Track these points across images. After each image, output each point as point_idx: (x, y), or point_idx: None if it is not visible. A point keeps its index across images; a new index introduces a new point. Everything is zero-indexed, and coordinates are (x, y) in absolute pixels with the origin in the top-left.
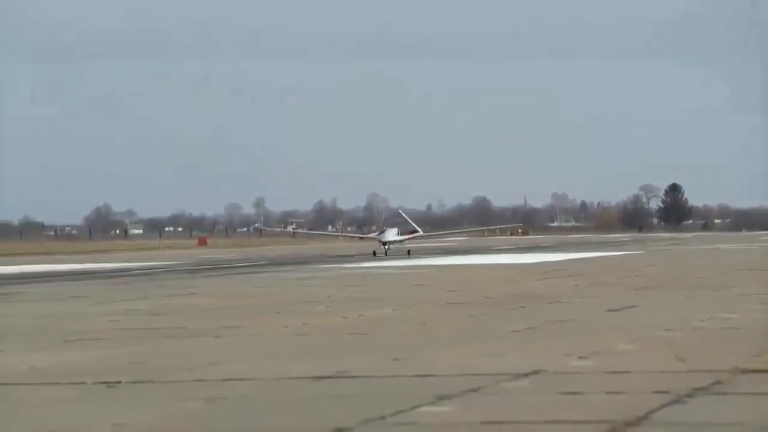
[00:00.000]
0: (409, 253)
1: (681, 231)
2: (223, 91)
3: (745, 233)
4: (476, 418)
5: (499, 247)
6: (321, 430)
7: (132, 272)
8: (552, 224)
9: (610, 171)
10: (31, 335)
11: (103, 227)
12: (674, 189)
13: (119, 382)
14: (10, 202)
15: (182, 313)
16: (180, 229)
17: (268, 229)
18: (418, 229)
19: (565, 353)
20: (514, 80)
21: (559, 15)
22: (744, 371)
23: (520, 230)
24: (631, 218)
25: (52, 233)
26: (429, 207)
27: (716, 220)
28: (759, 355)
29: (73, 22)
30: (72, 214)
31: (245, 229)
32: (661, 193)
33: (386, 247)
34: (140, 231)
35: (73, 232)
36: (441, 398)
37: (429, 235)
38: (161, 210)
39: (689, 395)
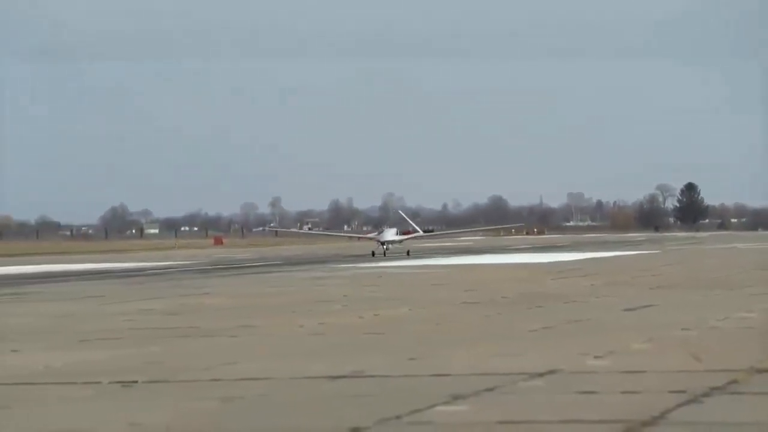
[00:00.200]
0: (408, 254)
1: (697, 230)
2: (240, 92)
3: (761, 232)
4: (492, 417)
5: (515, 247)
6: (337, 430)
7: (147, 272)
8: (568, 224)
9: (626, 170)
10: (47, 335)
11: (118, 227)
12: (690, 188)
13: (135, 382)
14: (27, 202)
15: (197, 312)
16: (196, 228)
17: (271, 229)
18: (418, 229)
19: (580, 353)
20: (530, 80)
21: (570, 14)
22: (760, 371)
23: (535, 229)
24: (647, 218)
25: (68, 233)
26: (445, 206)
27: (732, 220)
28: None
29: (77, 21)
30: (88, 213)
31: (261, 229)
32: (677, 193)
33: (385, 247)
34: (156, 231)
35: (89, 231)
36: (456, 398)
37: (431, 235)
38: (177, 210)
39: (705, 395)
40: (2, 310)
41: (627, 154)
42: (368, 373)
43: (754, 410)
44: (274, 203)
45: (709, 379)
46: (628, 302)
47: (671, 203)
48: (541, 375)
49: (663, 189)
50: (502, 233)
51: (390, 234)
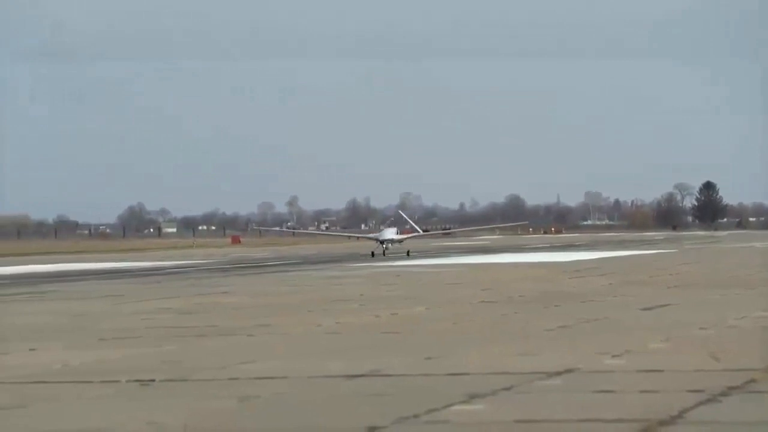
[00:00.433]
0: (408, 254)
1: (715, 229)
2: (258, 92)
3: None
4: (509, 416)
5: (532, 246)
6: (354, 429)
7: (165, 271)
8: (585, 223)
9: (644, 169)
10: (65, 333)
11: (136, 226)
12: (708, 187)
13: (153, 381)
14: (45, 202)
15: (215, 311)
16: (213, 227)
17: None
18: (418, 229)
19: (598, 352)
20: (547, 79)
21: (583, 13)
22: None
23: (553, 228)
24: (665, 216)
25: (86, 232)
26: (462, 206)
27: (751, 219)
28: None
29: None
30: (106, 213)
31: (277, 228)
32: (696, 192)
33: (384, 246)
34: (174, 230)
35: (107, 231)
36: (474, 397)
37: (430, 234)
38: (195, 209)
39: (723, 394)
40: (21, 308)
41: (645, 153)
42: (385, 372)
43: None
44: (292, 202)
45: (727, 379)
46: (646, 301)
47: (689, 202)
48: (558, 374)
49: (681, 188)
50: (519, 232)
51: (389, 233)
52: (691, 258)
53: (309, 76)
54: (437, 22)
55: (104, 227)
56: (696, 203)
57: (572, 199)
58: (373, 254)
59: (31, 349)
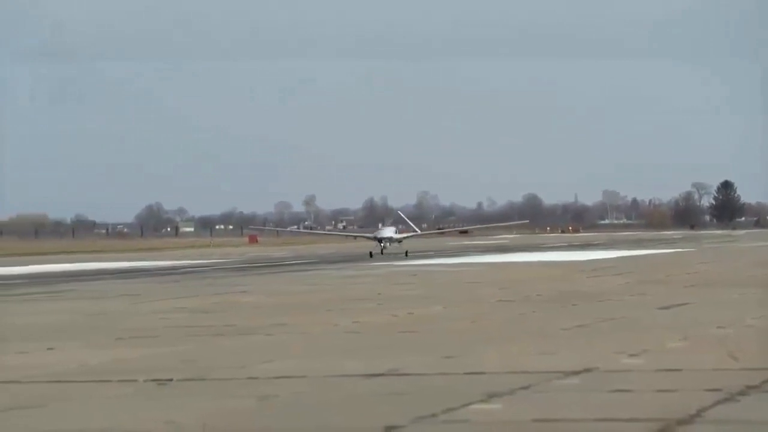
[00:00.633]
0: (407, 254)
1: (733, 228)
2: (275, 91)
3: None
4: (527, 416)
5: (549, 245)
6: (372, 428)
7: (183, 270)
8: (603, 222)
9: (661, 168)
10: (83, 332)
11: (154, 225)
12: (726, 186)
13: (171, 380)
14: (63, 201)
15: (233, 310)
16: (231, 227)
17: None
18: (416, 229)
19: (615, 351)
20: (566, 79)
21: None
22: None
23: (570, 228)
24: (683, 215)
25: (104, 231)
26: (480, 205)
27: None
28: None
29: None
30: (124, 212)
31: (295, 227)
32: (713, 191)
33: (382, 244)
34: (191, 229)
35: (125, 230)
36: (492, 396)
37: (428, 233)
38: (212, 208)
39: (742, 393)
40: (38, 308)
41: (663, 152)
42: (403, 372)
43: None
44: (309, 202)
45: (745, 378)
46: (663, 300)
47: (707, 201)
48: (576, 373)
49: (699, 187)
50: (537, 231)
51: (387, 231)
52: (709, 257)
53: (326, 76)
54: (459, 20)
55: (122, 226)
56: (714, 202)
57: (590, 198)
58: (371, 254)
59: (49, 349)
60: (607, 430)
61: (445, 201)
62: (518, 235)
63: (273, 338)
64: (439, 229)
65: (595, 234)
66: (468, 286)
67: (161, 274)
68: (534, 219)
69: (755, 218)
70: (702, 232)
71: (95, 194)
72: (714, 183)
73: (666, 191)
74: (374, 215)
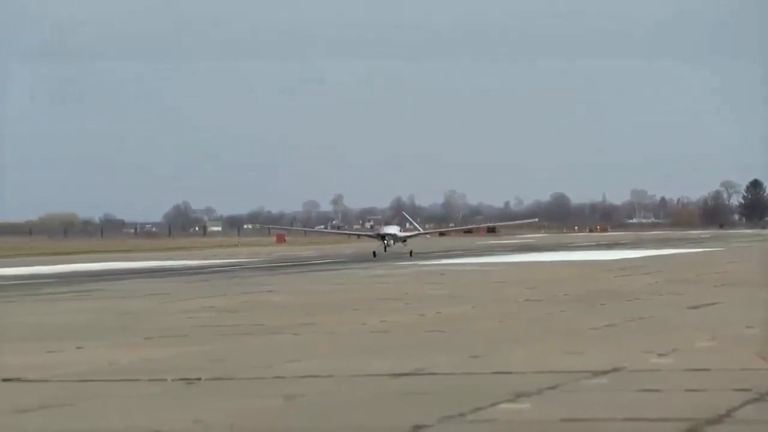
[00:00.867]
0: (411, 254)
1: (763, 227)
2: (304, 91)
3: None
4: (555, 415)
5: (577, 244)
6: (399, 428)
7: (211, 269)
8: (631, 221)
9: (689, 167)
10: (112, 332)
11: (182, 224)
12: (755, 185)
13: (199, 379)
14: (92, 200)
15: (261, 310)
16: (258, 226)
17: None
18: (419, 227)
19: (644, 350)
20: (596, 77)
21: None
22: None
23: (598, 227)
24: (712, 215)
25: (132, 231)
26: (507, 204)
27: None
28: None
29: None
30: (152, 212)
31: (323, 227)
32: (742, 189)
33: (385, 242)
34: (219, 228)
35: (153, 229)
36: (519, 395)
37: (430, 232)
38: (240, 207)
39: None
40: (67, 307)
41: (691, 150)
42: (430, 371)
43: None
44: (336, 201)
45: None
46: (692, 300)
47: (736, 200)
48: (604, 373)
49: (728, 186)
50: (564, 230)
51: (391, 228)
52: (738, 256)
53: (354, 75)
54: (496, 19)
55: (150, 226)
56: (743, 201)
57: (618, 198)
58: (374, 254)
59: (78, 348)
60: (636, 429)
61: (473, 200)
62: (545, 234)
63: (300, 338)
64: (442, 230)
65: (623, 233)
66: (495, 286)
67: (189, 273)
68: (561, 218)
69: None
70: (731, 231)
71: (124, 194)
72: (743, 182)
73: (694, 190)
74: (401, 214)
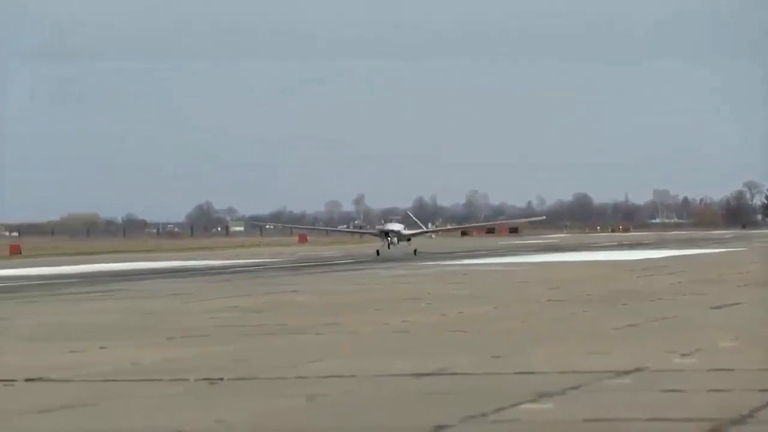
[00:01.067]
0: (415, 253)
1: None
2: (325, 90)
3: None
4: (578, 415)
5: (600, 244)
6: (421, 428)
7: (233, 269)
8: (653, 221)
9: (712, 167)
10: (134, 332)
11: (204, 224)
12: None
13: (221, 379)
14: (114, 200)
15: (284, 310)
16: (280, 226)
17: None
18: (422, 226)
19: (667, 351)
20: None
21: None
22: None
23: (621, 227)
24: (735, 215)
25: (155, 231)
26: (529, 204)
27: None
28: None
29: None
30: (174, 211)
31: (345, 227)
32: (765, 189)
33: (389, 239)
34: (241, 228)
35: (175, 229)
36: (542, 396)
37: (434, 231)
38: (262, 207)
39: None
40: (90, 307)
41: (713, 150)
42: (452, 371)
43: None
44: (359, 201)
45: None
46: (715, 300)
47: (759, 200)
48: (627, 373)
49: (750, 186)
50: (587, 230)
51: (395, 225)
52: (761, 256)
53: (379, 75)
54: (518, 19)
55: (172, 226)
56: (766, 201)
57: (640, 198)
58: (378, 253)
59: (101, 348)
60: (659, 429)
61: (495, 200)
62: (568, 234)
63: (323, 337)
64: (443, 228)
65: (646, 233)
66: (517, 286)
67: (212, 273)
68: (584, 218)
69: None
70: (753, 231)
71: (146, 194)
72: (766, 182)
73: (717, 190)
74: (423, 214)
